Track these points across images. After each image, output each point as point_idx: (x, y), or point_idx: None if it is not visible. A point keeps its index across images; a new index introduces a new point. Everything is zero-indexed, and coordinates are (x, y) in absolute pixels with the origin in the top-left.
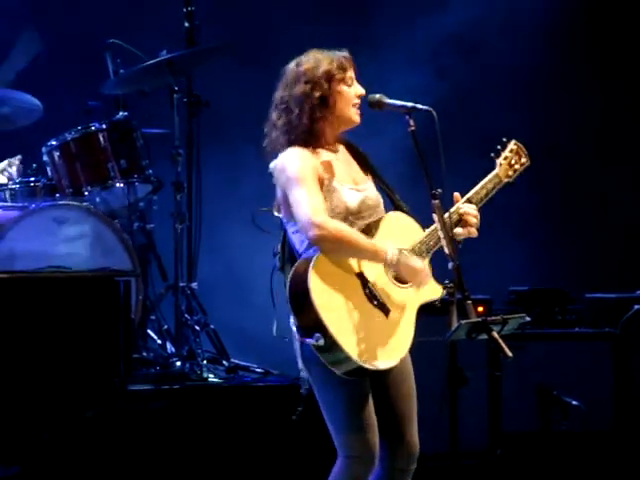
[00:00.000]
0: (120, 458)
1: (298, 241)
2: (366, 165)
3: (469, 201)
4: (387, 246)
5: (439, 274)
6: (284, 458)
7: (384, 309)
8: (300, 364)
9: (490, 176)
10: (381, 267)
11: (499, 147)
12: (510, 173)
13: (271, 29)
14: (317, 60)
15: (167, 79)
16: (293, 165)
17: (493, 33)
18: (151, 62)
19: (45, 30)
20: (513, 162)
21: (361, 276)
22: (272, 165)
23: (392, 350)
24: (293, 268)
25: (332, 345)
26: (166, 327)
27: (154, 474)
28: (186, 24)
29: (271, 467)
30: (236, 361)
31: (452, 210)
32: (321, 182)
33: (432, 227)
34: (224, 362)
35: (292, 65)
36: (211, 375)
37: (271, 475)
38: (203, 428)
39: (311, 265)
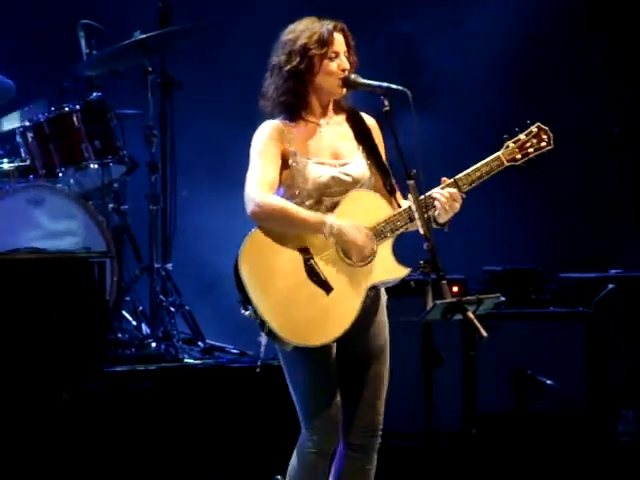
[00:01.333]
0: (96, 440)
1: None
2: (362, 138)
3: (456, 183)
4: (324, 217)
5: (413, 254)
6: (257, 437)
7: (325, 286)
8: (262, 338)
9: (489, 158)
10: (330, 244)
11: (517, 129)
12: (518, 156)
13: (243, 8)
14: (300, 31)
15: (141, 60)
16: (257, 140)
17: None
18: (124, 43)
19: (19, 10)
20: (528, 145)
21: (305, 251)
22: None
23: (326, 327)
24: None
25: (261, 319)
26: (141, 308)
27: (131, 455)
28: (159, 4)
29: (245, 446)
30: (211, 342)
31: (427, 194)
32: (286, 158)
33: (402, 208)
34: (199, 343)
35: (284, 31)
36: (186, 356)
37: (245, 454)
38: (179, 409)
39: (245, 240)
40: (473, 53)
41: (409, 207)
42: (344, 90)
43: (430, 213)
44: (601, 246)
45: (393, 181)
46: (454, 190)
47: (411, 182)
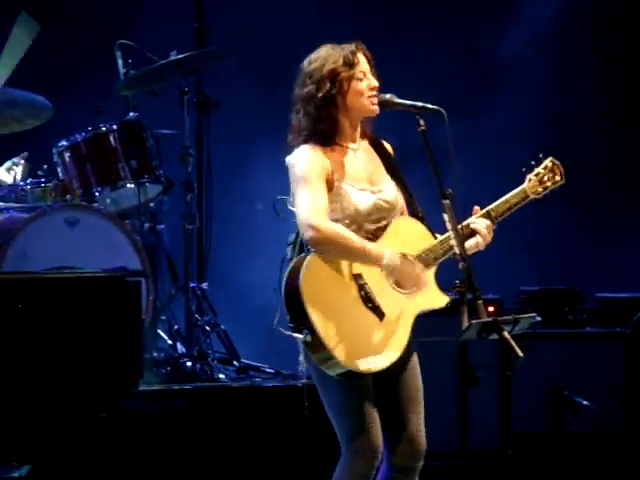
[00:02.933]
0: (131, 459)
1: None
2: (389, 165)
3: (488, 214)
4: (384, 250)
5: (450, 275)
6: (293, 458)
7: (378, 312)
8: (301, 357)
9: (516, 191)
10: (380, 271)
11: (533, 162)
12: (539, 190)
13: (280, 29)
14: (324, 58)
15: (177, 80)
16: (300, 164)
17: None
18: (161, 63)
19: (56, 30)
20: (546, 179)
21: (359, 277)
22: (287, 160)
23: (381, 354)
24: (292, 263)
25: (318, 343)
26: (176, 327)
27: (165, 475)
28: (196, 24)
29: (280, 467)
30: (247, 361)
31: (468, 221)
32: (330, 182)
33: (443, 236)
34: (235, 362)
35: (305, 63)
36: (222, 375)
37: (280, 474)
38: (214, 428)
39: (306, 261)
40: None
41: (449, 235)
42: (377, 109)
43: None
44: (638, 265)
45: (419, 206)
46: (488, 222)
47: (447, 202)
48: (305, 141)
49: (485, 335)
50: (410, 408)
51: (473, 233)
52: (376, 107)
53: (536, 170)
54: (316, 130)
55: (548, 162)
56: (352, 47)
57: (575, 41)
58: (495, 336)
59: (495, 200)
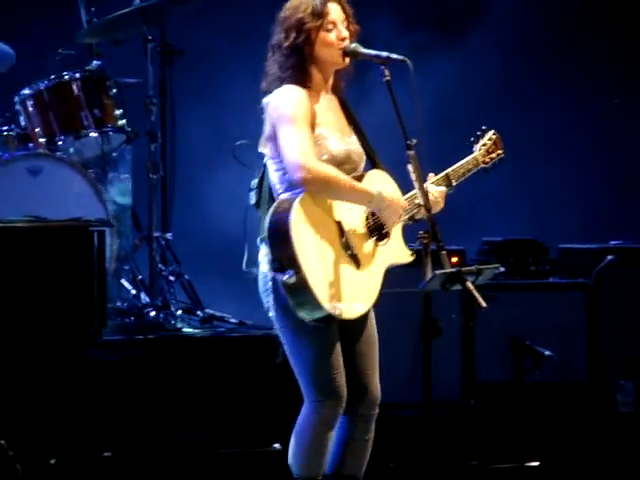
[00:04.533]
0: (95, 409)
1: (279, 179)
2: (352, 120)
3: (447, 177)
4: (373, 189)
5: (414, 226)
6: (256, 407)
7: (356, 260)
8: (269, 302)
9: (469, 157)
10: (360, 218)
11: (478, 133)
12: (487, 160)
13: None
14: (295, 7)
15: (140, 28)
16: (288, 103)
17: None
18: (124, 11)
19: None
20: (490, 150)
21: (339, 224)
22: (265, 100)
23: (358, 301)
24: (276, 202)
25: (301, 284)
26: (140, 277)
27: (129, 424)
28: None
29: (243, 415)
30: (210, 311)
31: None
32: (312, 125)
33: (411, 193)
34: (198, 312)
35: (282, 9)
36: (185, 325)
37: (244, 423)
38: (177, 378)
39: (296, 202)
40: None
41: (418, 167)
42: (347, 60)
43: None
44: (601, 217)
45: (382, 164)
46: (443, 189)
47: (411, 152)
48: (276, 85)
49: (449, 286)
50: (367, 357)
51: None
52: (342, 59)
53: (482, 141)
54: (284, 78)
55: (491, 134)
56: None
57: None
58: (459, 287)
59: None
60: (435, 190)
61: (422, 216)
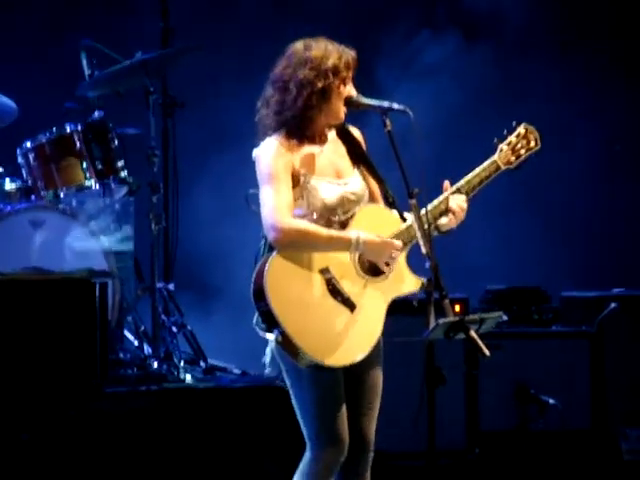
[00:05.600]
0: (98, 460)
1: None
2: (356, 153)
3: (459, 190)
4: (349, 232)
5: (417, 274)
6: (260, 457)
7: (349, 304)
8: (267, 350)
9: (486, 164)
10: (349, 262)
11: (505, 131)
12: (512, 159)
13: (245, 32)
14: (327, 51)
15: (142, 80)
16: (265, 160)
17: None
18: (126, 64)
19: (21, 30)
20: (519, 146)
21: (325, 271)
22: (254, 154)
23: (355, 346)
24: (257, 265)
25: (289, 342)
26: (143, 328)
27: (132, 476)
28: (161, 24)
29: (247, 466)
30: (213, 362)
31: (439, 200)
32: (296, 178)
33: (409, 222)
34: (201, 363)
35: (299, 46)
36: (188, 376)
37: (247, 474)
38: (181, 429)
39: (268, 263)
40: None
41: (420, 216)
42: (343, 115)
43: (439, 222)
44: (604, 265)
45: (390, 192)
46: (463, 197)
47: (413, 201)
48: (280, 125)
49: (452, 334)
50: (369, 403)
51: (446, 211)
52: (343, 116)
53: (508, 139)
54: (301, 116)
55: (521, 129)
56: (353, 53)
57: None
58: (462, 335)
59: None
60: (458, 198)
61: (447, 227)
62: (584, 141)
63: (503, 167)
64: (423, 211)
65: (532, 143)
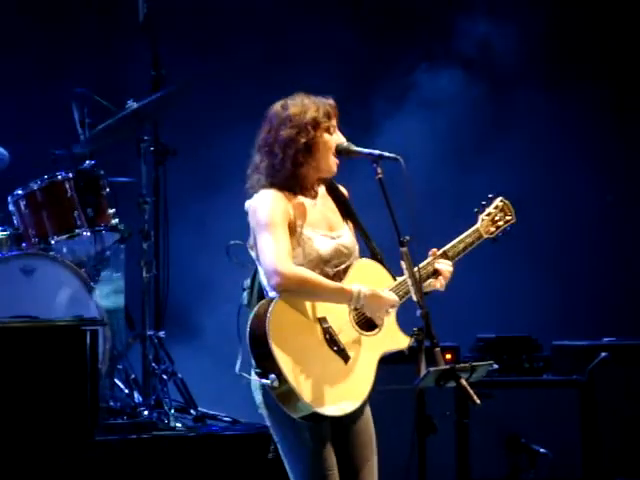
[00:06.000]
0: None
1: (266, 282)
2: (345, 209)
3: (445, 254)
4: (352, 285)
5: (407, 321)
6: None
7: (343, 355)
8: (258, 401)
9: (470, 231)
10: (345, 313)
11: (484, 203)
12: (492, 229)
13: (237, 79)
14: (304, 105)
15: (134, 129)
16: (264, 208)
17: None
18: (119, 116)
19: (10, 77)
20: (497, 219)
21: (323, 320)
22: (247, 205)
23: (348, 397)
24: (255, 309)
25: (286, 388)
26: (133, 376)
27: None
28: (153, 73)
29: None
30: (204, 410)
31: (427, 261)
32: (293, 228)
33: (402, 278)
34: (192, 411)
35: (278, 107)
36: (179, 424)
37: None
38: (172, 478)
39: (271, 307)
40: None
41: (411, 264)
42: (336, 168)
43: (428, 282)
44: (594, 314)
45: (378, 248)
46: (450, 263)
47: (404, 249)
48: (271, 184)
49: (443, 383)
50: (364, 455)
51: (434, 273)
52: (335, 168)
53: (487, 210)
54: (295, 173)
55: (498, 202)
56: (331, 100)
57: None
58: (453, 384)
59: (451, 240)
60: (445, 262)
61: (432, 288)
62: (574, 188)
63: (485, 236)
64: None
65: (508, 217)
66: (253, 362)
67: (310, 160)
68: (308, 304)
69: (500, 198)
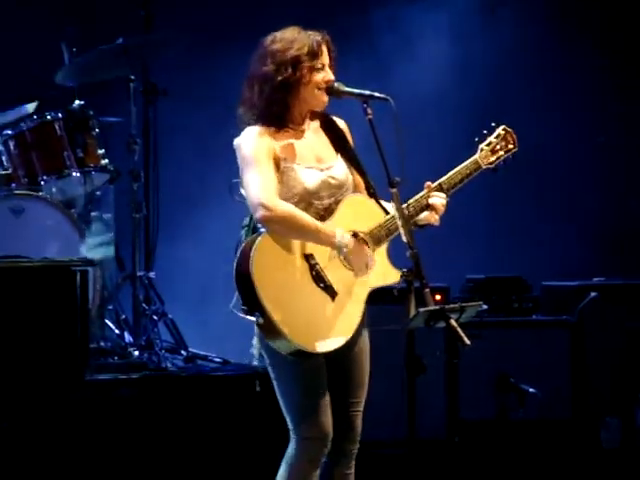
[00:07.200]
0: (78, 448)
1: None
2: (339, 143)
3: (440, 186)
4: (335, 230)
5: (397, 262)
6: (242, 446)
7: (330, 292)
8: (254, 341)
9: (468, 162)
10: (333, 250)
11: (485, 132)
12: (492, 159)
13: (227, 16)
14: (289, 42)
15: (123, 68)
16: (248, 145)
17: None
18: (104, 47)
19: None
20: (498, 148)
21: (310, 257)
22: (235, 142)
23: (334, 333)
24: (241, 246)
25: (270, 325)
26: (124, 317)
27: (114, 465)
28: (142, 12)
29: (229, 455)
30: (194, 350)
31: (421, 194)
32: (277, 163)
33: (391, 214)
34: (182, 352)
35: (267, 40)
36: (169, 364)
37: (229, 462)
38: (162, 417)
39: (255, 245)
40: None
41: (401, 206)
42: (326, 100)
43: (418, 217)
44: (585, 254)
45: (372, 182)
46: (444, 196)
47: (394, 190)
48: (255, 120)
49: (432, 323)
50: (354, 392)
51: (427, 206)
52: (325, 101)
53: (488, 139)
54: (268, 111)
55: (500, 130)
56: (318, 37)
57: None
58: (442, 324)
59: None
60: (439, 195)
61: (426, 222)
62: (570, 130)
63: (484, 166)
64: (405, 205)
65: (510, 145)
66: (239, 299)
67: (287, 97)
68: (294, 242)
69: (503, 126)
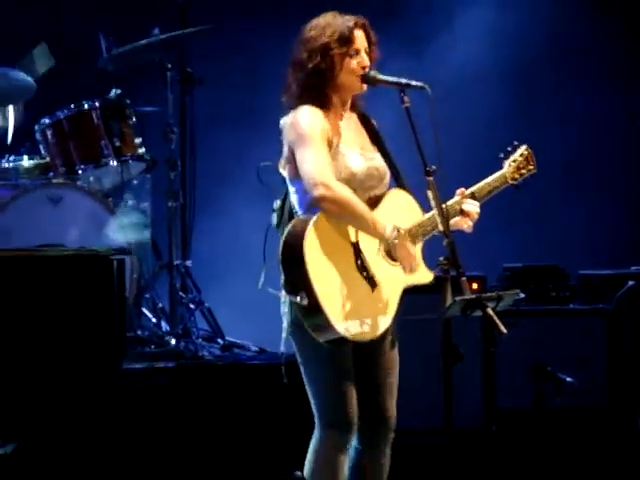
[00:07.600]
0: (116, 437)
1: (297, 201)
2: (375, 137)
3: (473, 195)
4: (387, 223)
5: (434, 252)
6: (278, 434)
7: (372, 282)
8: (285, 324)
9: (497, 175)
10: (376, 240)
11: (509, 149)
12: (516, 176)
13: (263, 4)
14: (322, 28)
15: (160, 57)
16: (304, 122)
17: None
18: (143, 42)
19: (39, 9)
20: (521, 167)
21: (356, 245)
22: (282, 121)
23: (372, 324)
24: (291, 223)
25: (315, 307)
26: (161, 305)
27: (150, 452)
28: (179, 0)
29: (265, 442)
30: (231, 339)
31: (455, 200)
32: (329, 144)
33: (431, 213)
34: (219, 340)
35: (307, 26)
36: (206, 353)
37: (265, 450)
38: (199, 406)
39: (311, 223)
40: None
41: (437, 194)
42: (364, 86)
43: (453, 220)
44: (622, 242)
45: (405, 181)
46: (477, 204)
47: (430, 179)
48: (299, 103)
49: (469, 312)
50: (386, 383)
51: (460, 212)
52: (364, 87)
53: (512, 157)
54: (304, 96)
55: (524, 150)
56: (351, 23)
57: None
58: (479, 313)
59: (477, 182)
60: (473, 203)
61: (458, 227)
62: (604, 118)
63: (510, 182)
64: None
65: (531, 166)
66: (283, 278)
67: (322, 84)
68: (344, 227)
69: (525, 147)
